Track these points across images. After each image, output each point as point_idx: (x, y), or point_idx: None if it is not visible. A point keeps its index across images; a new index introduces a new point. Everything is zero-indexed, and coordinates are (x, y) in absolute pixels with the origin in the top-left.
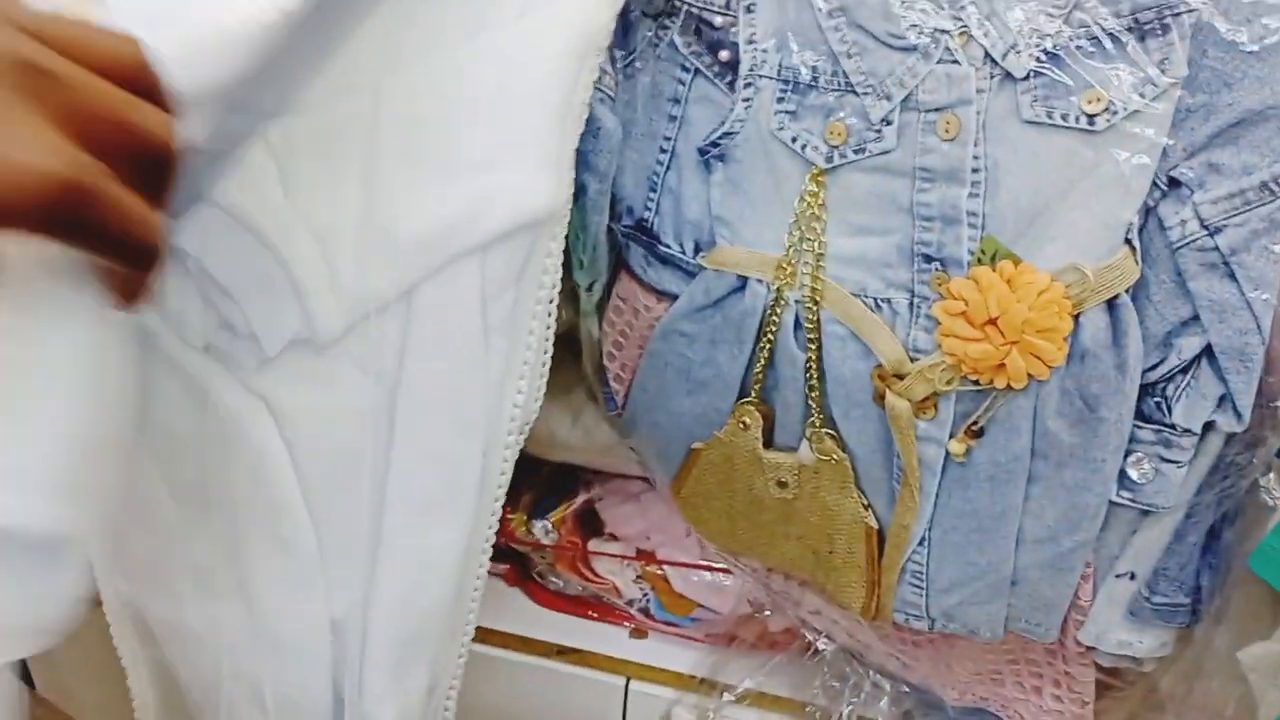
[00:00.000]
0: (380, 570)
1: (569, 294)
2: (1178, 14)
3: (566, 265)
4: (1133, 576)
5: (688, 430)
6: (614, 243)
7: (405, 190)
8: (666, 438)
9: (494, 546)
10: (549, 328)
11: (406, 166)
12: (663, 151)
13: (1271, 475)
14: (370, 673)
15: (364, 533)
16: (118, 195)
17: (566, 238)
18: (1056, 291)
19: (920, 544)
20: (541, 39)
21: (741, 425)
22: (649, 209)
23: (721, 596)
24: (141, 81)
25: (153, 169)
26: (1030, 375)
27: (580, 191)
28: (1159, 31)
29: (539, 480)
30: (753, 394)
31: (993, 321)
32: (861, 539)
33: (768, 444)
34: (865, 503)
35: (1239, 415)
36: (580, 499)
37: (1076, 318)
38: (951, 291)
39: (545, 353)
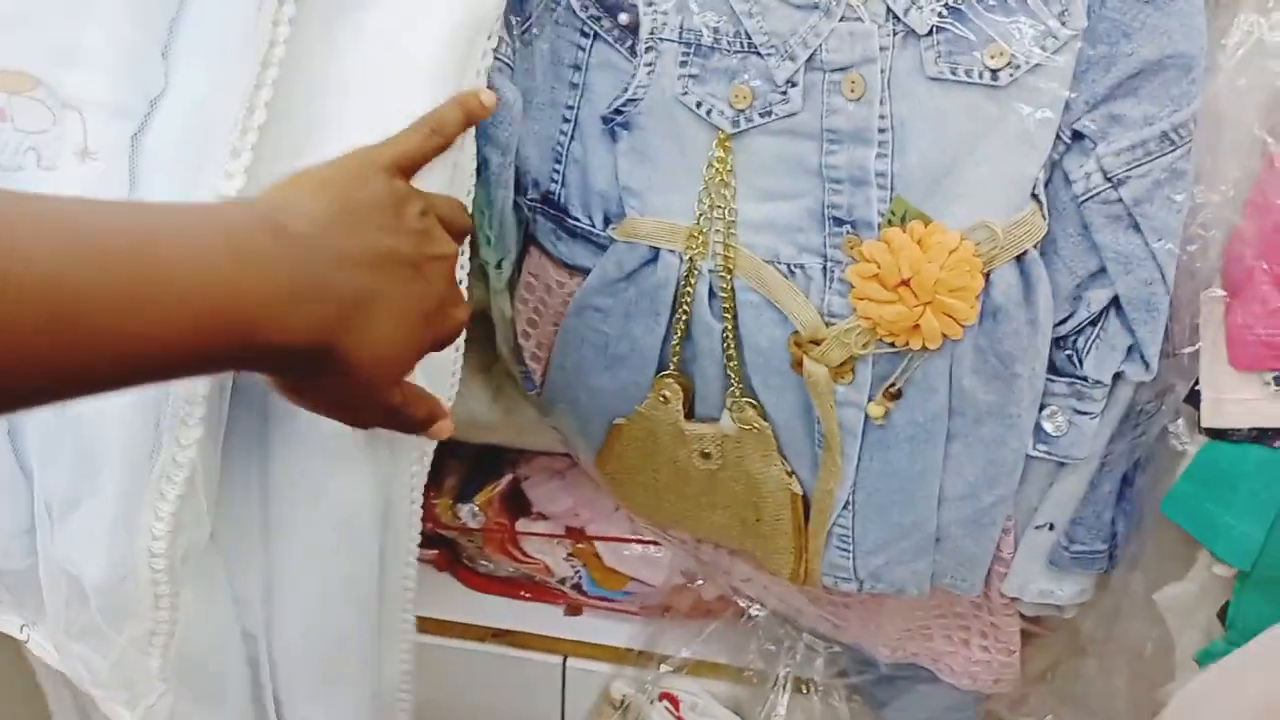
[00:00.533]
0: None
1: (478, 272)
2: None
3: (473, 243)
4: (1051, 527)
5: (608, 406)
6: (521, 218)
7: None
8: (587, 414)
9: (421, 533)
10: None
11: (286, 153)
12: (565, 121)
13: (1180, 421)
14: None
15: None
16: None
17: (471, 215)
18: (966, 250)
19: (845, 508)
20: (426, 19)
21: (662, 399)
22: (555, 181)
23: (654, 569)
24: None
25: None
26: (944, 335)
27: (482, 166)
28: None
29: (462, 463)
30: (671, 366)
31: (905, 283)
32: (787, 506)
33: (689, 416)
34: (789, 469)
35: (1147, 364)
36: (505, 479)
37: (987, 275)
38: (864, 254)
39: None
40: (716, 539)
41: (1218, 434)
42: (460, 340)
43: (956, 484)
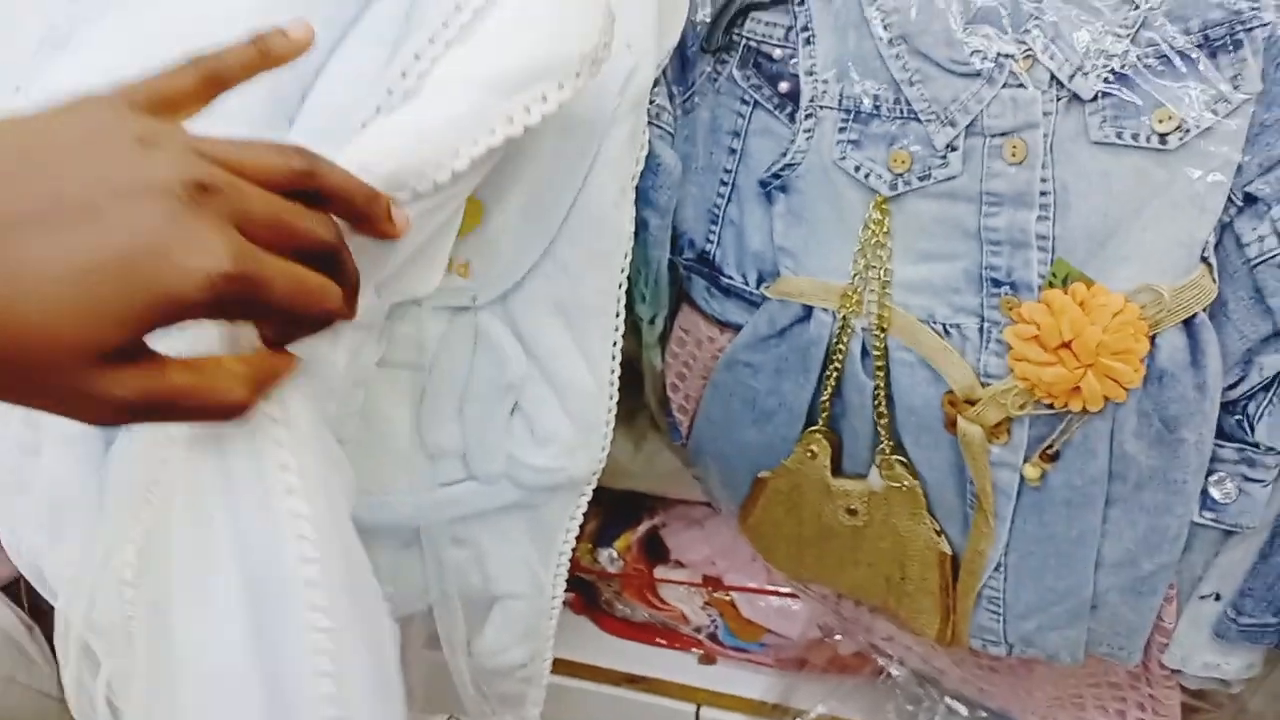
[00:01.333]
0: None
1: (631, 327)
2: (1250, 29)
3: (629, 298)
4: (1218, 597)
5: (754, 459)
6: (675, 276)
7: None
8: (732, 467)
9: None
10: (614, 358)
11: None
12: (723, 184)
13: None
14: None
15: None
16: (284, 274)
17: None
18: (1131, 313)
19: (996, 569)
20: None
21: (809, 454)
22: (710, 241)
23: (790, 621)
24: (306, 186)
25: (324, 259)
26: (1106, 398)
27: (641, 227)
28: (1230, 47)
29: (603, 507)
30: (820, 422)
31: (1066, 345)
32: (935, 565)
33: (836, 471)
34: (938, 528)
35: None
36: (644, 526)
37: (1153, 339)
38: (1023, 315)
39: (612, 385)
40: (858, 596)
41: None
42: (613, 387)
43: (1115, 550)
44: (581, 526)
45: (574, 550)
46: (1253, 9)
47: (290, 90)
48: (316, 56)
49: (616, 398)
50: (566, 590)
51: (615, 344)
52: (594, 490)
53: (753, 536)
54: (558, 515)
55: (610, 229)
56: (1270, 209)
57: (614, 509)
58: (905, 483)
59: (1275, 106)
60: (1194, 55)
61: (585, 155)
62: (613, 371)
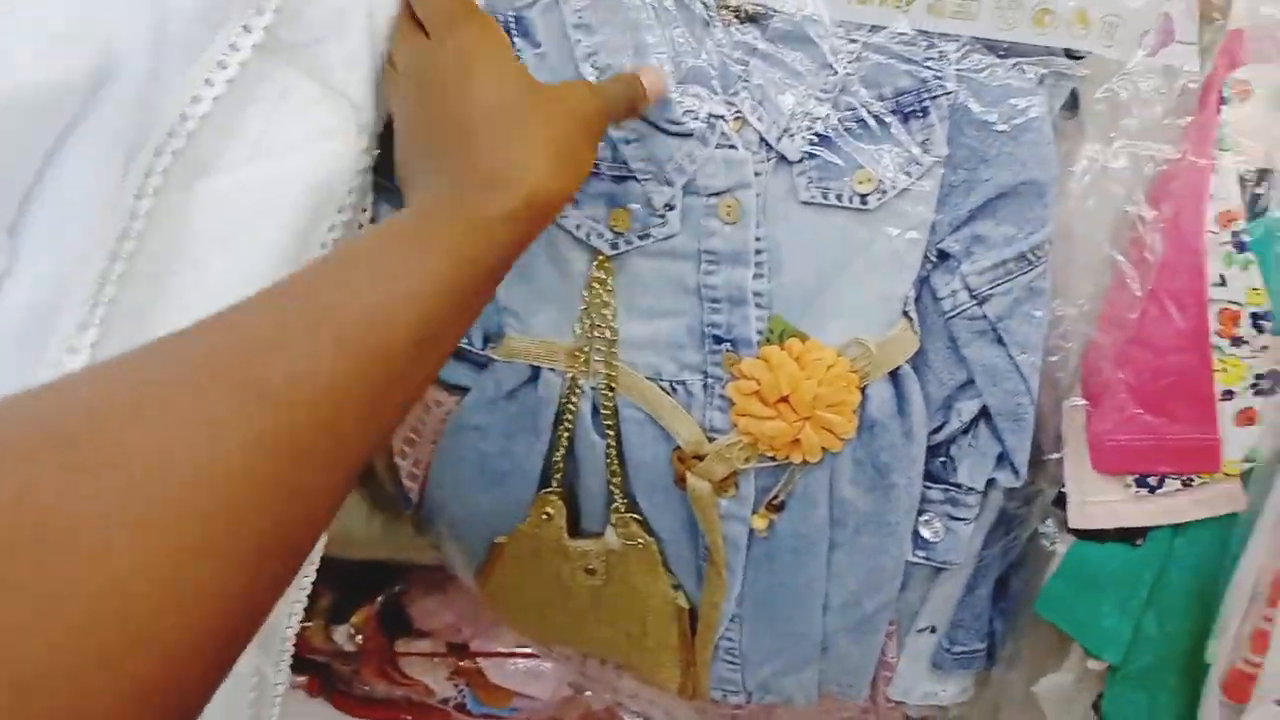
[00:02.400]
0: None
1: None
2: (935, 97)
3: None
4: (933, 630)
5: (489, 524)
6: None
7: None
8: (467, 533)
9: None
10: None
11: (130, 321)
12: None
13: (1050, 522)
14: None
15: None
16: None
17: None
18: (843, 366)
19: (732, 620)
20: (279, 188)
21: (545, 516)
22: None
23: (541, 682)
24: None
25: None
26: (824, 449)
27: None
28: (920, 114)
29: (336, 581)
30: (554, 483)
31: (785, 399)
32: (673, 620)
33: (573, 532)
34: (675, 583)
35: (1016, 471)
36: (383, 597)
37: (863, 390)
38: (743, 371)
39: None
40: (602, 654)
41: (1084, 535)
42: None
43: (840, 592)
44: (312, 603)
45: (305, 629)
46: (937, 78)
47: None
48: None
49: None
50: (301, 673)
51: None
52: (325, 564)
53: (493, 602)
54: (280, 603)
55: None
56: (960, 265)
57: (350, 581)
58: (640, 540)
59: (960, 169)
60: (888, 120)
61: None
62: None
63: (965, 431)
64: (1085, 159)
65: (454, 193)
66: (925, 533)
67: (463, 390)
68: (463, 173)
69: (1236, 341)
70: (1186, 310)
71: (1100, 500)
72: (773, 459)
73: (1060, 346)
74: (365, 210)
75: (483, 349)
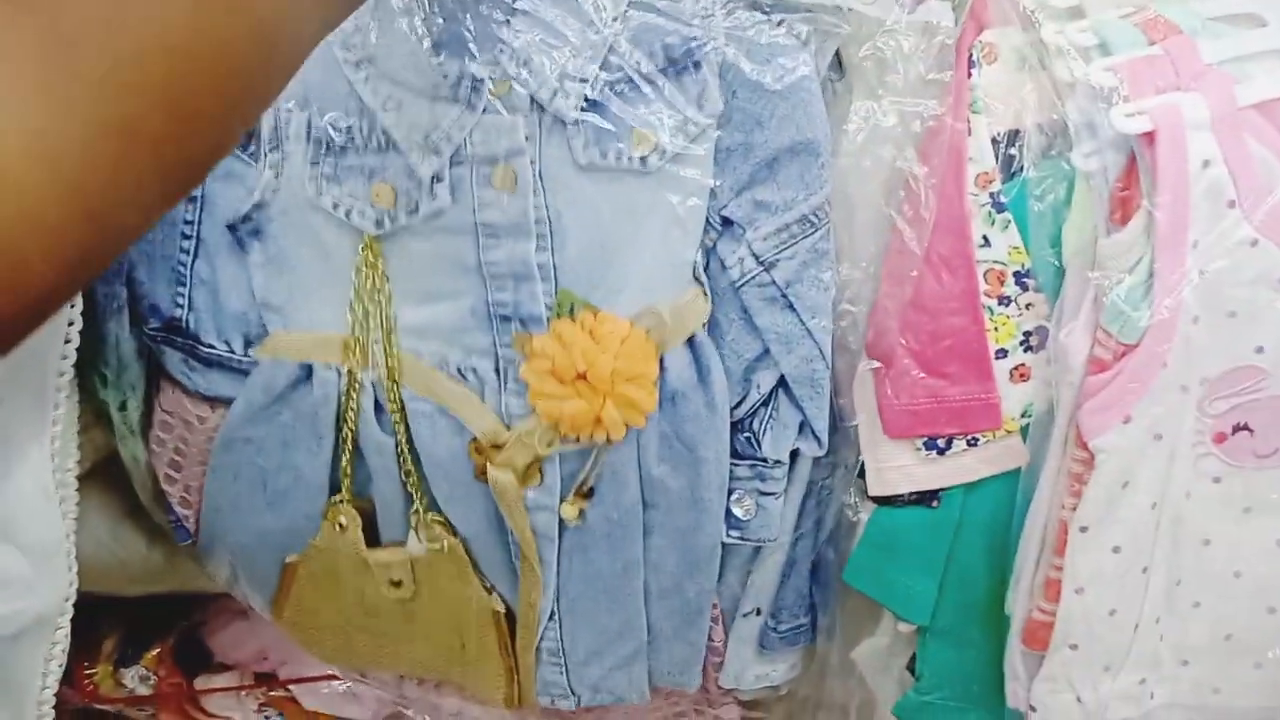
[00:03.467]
0: None
1: (96, 414)
2: (705, 52)
3: (89, 383)
4: (758, 612)
5: (277, 545)
6: (145, 349)
7: None
8: (254, 558)
9: (78, 710)
10: (69, 468)
11: None
12: (185, 238)
13: (853, 491)
14: None
15: None
16: None
17: (80, 351)
18: (638, 336)
19: (551, 619)
20: None
21: (338, 528)
22: (180, 306)
23: (360, 704)
24: None
25: None
26: (628, 425)
27: (87, 296)
28: (691, 68)
29: (121, 620)
30: (343, 491)
31: (582, 376)
32: (491, 626)
33: (372, 543)
34: (488, 586)
35: (819, 440)
36: (176, 631)
37: (661, 360)
38: (535, 350)
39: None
40: (421, 674)
41: (884, 500)
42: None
43: (660, 579)
44: (96, 647)
45: (91, 677)
46: (706, 35)
47: None
48: None
49: (75, 504)
50: None
51: (56, 443)
52: (107, 604)
53: (292, 630)
54: (28, 661)
55: None
56: (745, 232)
57: (138, 619)
58: (445, 543)
59: (736, 131)
60: (659, 80)
61: None
62: (61, 476)
63: (765, 403)
64: (858, 117)
65: None
66: (737, 511)
67: (228, 402)
68: None
69: (1004, 300)
70: (956, 272)
71: (894, 465)
72: (577, 441)
73: (849, 311)
74: None
75: (245, 352)
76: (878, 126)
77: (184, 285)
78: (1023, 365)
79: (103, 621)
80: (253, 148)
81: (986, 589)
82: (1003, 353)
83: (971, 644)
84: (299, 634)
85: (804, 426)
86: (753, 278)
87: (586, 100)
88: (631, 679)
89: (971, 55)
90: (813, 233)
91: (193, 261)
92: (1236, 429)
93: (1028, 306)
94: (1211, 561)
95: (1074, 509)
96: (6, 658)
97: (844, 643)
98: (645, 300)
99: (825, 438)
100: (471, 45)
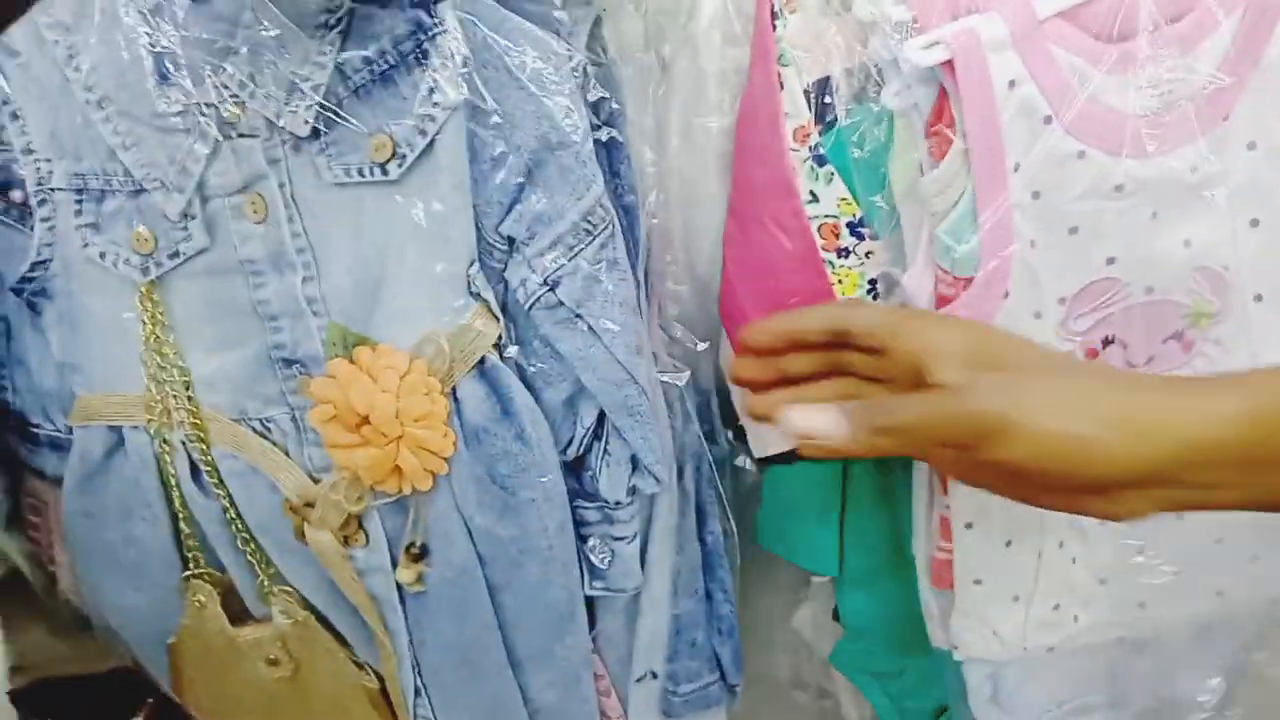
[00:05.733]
0: None
1: None
2: (434, 38)
3: None
4: (654, 675)
5: (154, 626)
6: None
7: None
8: (139, 641)
9: None
10: None
11: None
12: None
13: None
14: None
15: None
16: None
17: None
18: (419, 370)
19: (418, 695)
20: None
21: (197, 605)
22: (3, 389)
23: None
24: None
25: None
26: (430, 472)
27: None
28: (419, 59)
29: (85, 694)
30: (195, 563)
31: (366, 420)
32: (369, 704)
33: (239, 619)
34: (358, 662)
35: (653, 475)
36: (149, 703)
37: (455, 394)
38: (315, 394)
39: None
40: None
41: (771, 461)
42: None
43: (524, 642)
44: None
45: None
46: (434, 20)
47: None
48: None
49: None
50: None
51: None
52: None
53: (201, 715)
54: None
55: None
56: (525, 248)
57: (100, 696)
58: (298, 616)
59: (497, 137)
60: (392, 75)
61: None
62: None
63: (597, 437)
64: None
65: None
66: (594, 559)
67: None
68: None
69: (842, 253)
70: (791, 232)
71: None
72: (388, 494)
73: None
74: None
75: (60, 425)
76: (694, 99)
77: (3, 368)
78: None
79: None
80: (15, 209)
81: (887, 534)
82: None
83: (881, 587)
84: (208, 718)
85: (635, 460)
86: (539, 299)
87: (321, 106)
88: None
89: (773, 6)
90: (591, 241)
91: (5, 343)
92: (1106, 343)
93: (867, 255)
94: None
95: None
96: None
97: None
98: (423, 326)
99: (663, 472)
100: (198, 65)
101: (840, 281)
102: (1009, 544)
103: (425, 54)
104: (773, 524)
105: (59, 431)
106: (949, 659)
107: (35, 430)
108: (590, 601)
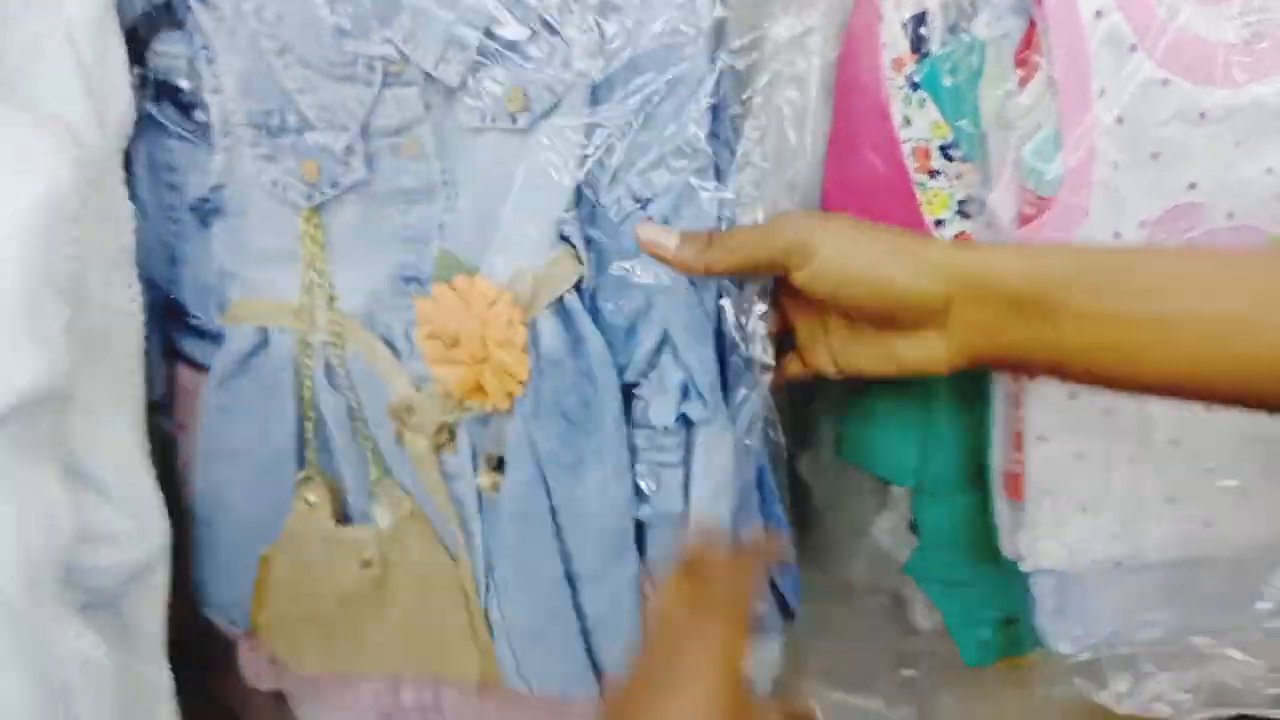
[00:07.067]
0: None
1: None
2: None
3: None
4: None
5: (256, 536)
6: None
7: None
8: (233, 551)
9: None
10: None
11: None
12: (172, 222)
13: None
14: None
15: None
16: None
17: None
18: (505, 301)
19: (489, 592)
20: None
21: (306, 505)
22: (174, 284)
23: None
24: None
25: None
26: (508, 394)
27: None
28: (552, 29)
29: None
30: (309, 466)
31: (458, 341)
32: (459, 594)
33: (342, 520)
34: (452, 556)
35: (703, 398)
36: None
37: (534, 326)
38: (420, 315)
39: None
40: (410, 670)
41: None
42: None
43: (582, 561)
44: None
45: None
46: None
47: None
48: None
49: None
50: None
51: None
52: None
53: (271, 639)
54: (138, 606)
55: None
56: (622, 171)
57: None
58: (408, 508)
59: (616, 79)
60: (531, 37)
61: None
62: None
63: (652, 365)
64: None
65: None
66: (643, 485)
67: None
68: None
69: (934, 174)
70: (884, 154)
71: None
72: (473, 409)
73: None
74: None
75: (215, 321)
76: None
77: (175, 265)
78: (963, 232)
79: None
80: (208, 135)
81: (967, 447)
82: (940, 223)
83: (959, 501)
84: (279, 642)
85: (688, 388)
86: (630, 216)
87: (475, 63)
88: (571, 673)
89: None
90: (687, 164)
91: (177, 243)
92: None
93: (958, 177)
94: None
95: None
96: (121, 604)
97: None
98: (520, 261)
99: (712, 396)
100: (374, 20)
101: (931, 202)
102: (1079, 456)
103: (555, 26)
104: (854, 436)
105: (207, 323)
106: (1018, 570)
107: (194, 320)
108: (643, 526)
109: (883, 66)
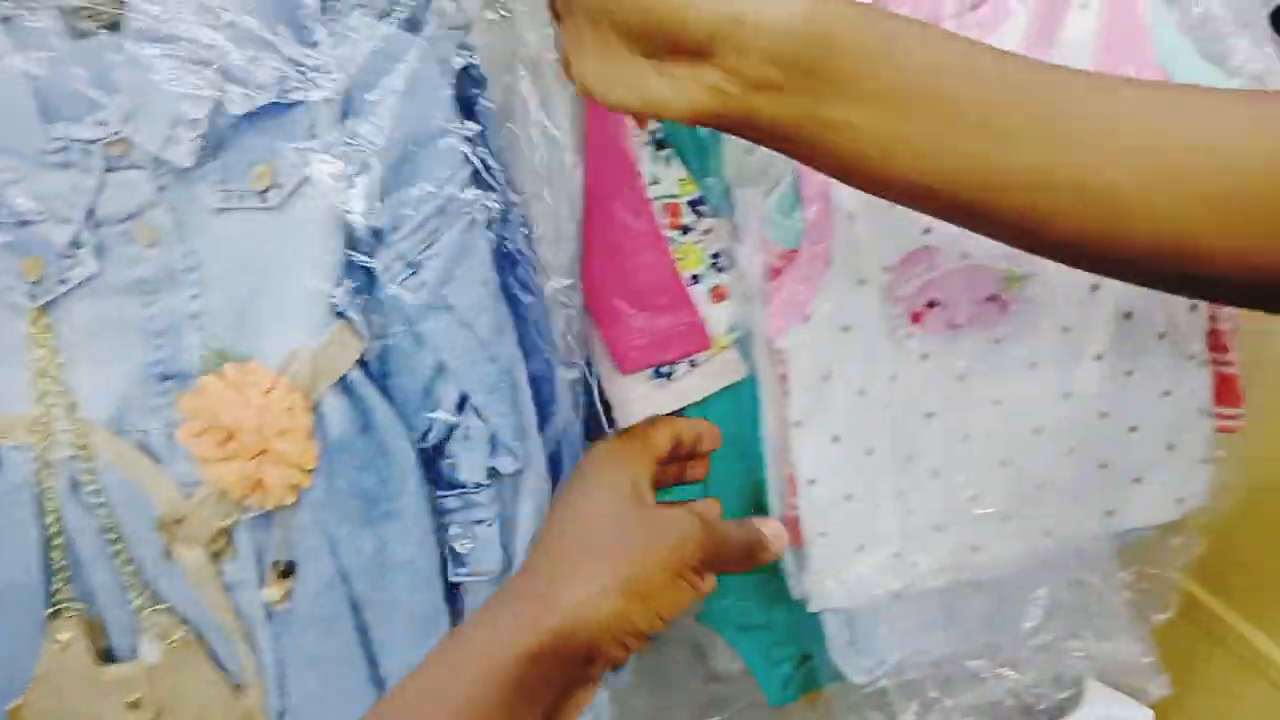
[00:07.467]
0: None
1: None
2: (318, 83)
3: None
4: None
5: (2, 684)
6: None
7: None
8: None
9: None
10: None
11: None
12: None
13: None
14: None
15: None
16: None
17: None
18: (282, 386)
19: (281, 717)
20: None
21: (57, 645)
22: None
23: None
24: None
25: None
26: (293, 486)
27: None
28: (299, 100)
29: None
30: (61, 597)
31: (233, 435)
32: None
33: (103, 657)
34: (236, 684)
35: (511, 453)
36: None
37: (318, 409)
38: (186, 411)
39: None
40: None
41: None
42: None
43: (393, 659)
44: None
45: None
46: (313, 63)
47: None
48: None
49: None
50: None
51: None
52: None
53: None
54: None
55: None
56: (390, 234)
57: None
58: (177, 635)
59: (375, 135)
60: (272, 109)
61: None
62: None
63: (455, 425)
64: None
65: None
66: (458, 548)
67: None
68: (524, 595)
69: (685, 230)
70: (637, 213)
71: (635, 399)
72: (254, 509)
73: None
74: None
75: None
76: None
77: None
78: (719, 286)
79: None
80: None
81: (745, 496)
82: (696, 278)
83: None
84: None
85: (494, 441)
86: (404, 281)
87: (204, 138)
88: None
89: None
90: (453, 224)
91: None
92: (929, 305)
93: (707, 231)
94: (939, 432)
95: None
96: None
97: None
98: (292, 343)
99: (521, 450)
100: (82, 103)
101: (685, 257)
102: (848, 497)
103: (305, 90)
104: None
105: None
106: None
107: None
108: (457, 589)
109: (626, 124)
